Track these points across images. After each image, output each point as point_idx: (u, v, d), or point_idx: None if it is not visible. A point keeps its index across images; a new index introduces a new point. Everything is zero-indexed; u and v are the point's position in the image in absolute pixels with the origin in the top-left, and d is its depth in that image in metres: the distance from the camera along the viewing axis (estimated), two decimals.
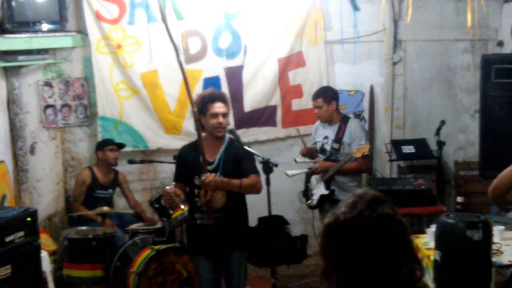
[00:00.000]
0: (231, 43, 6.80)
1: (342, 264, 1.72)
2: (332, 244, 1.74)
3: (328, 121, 5.64)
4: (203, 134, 4.41)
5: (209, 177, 4.22)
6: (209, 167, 4.33)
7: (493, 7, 6.94)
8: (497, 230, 4.54)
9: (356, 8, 6.92)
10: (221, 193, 4.32)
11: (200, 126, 4.32)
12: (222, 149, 4.41)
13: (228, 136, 4.47)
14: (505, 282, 4.40)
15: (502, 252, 4.34)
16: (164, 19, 4.53)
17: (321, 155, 5.66)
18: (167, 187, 4.32)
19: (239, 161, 4.38)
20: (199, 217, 4.43)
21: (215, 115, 4.33)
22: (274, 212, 4.55)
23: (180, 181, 4.46)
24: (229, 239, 4.39)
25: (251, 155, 4.42)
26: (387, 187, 6.12)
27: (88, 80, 6.64)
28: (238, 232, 4.45)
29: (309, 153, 5.79)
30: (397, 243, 1.72)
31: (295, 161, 5.74)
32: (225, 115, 4.37)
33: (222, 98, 4.41)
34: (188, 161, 4.45)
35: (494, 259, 4.13)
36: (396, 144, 6.85)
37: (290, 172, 5.60)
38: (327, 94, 5.59)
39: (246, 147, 4.39)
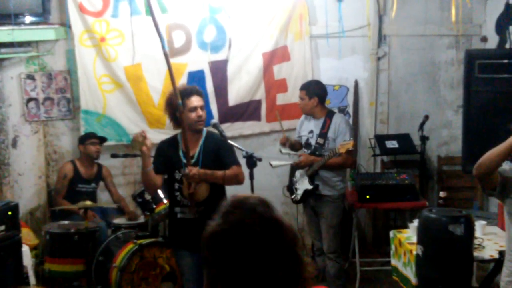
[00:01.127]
0: (216, 37, 6.77)
1: (223, 274, 1.74)
2: (211, 256, 1.79)
3: (308, 114, 5.64)
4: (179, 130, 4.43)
5: (192, 170, 4.23)
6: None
7: (477, 3, 6.96)
8: (479, 225, 4.58)
9: None
10: (205, 185, 4.33)
11: (181, 119, 4.30)
12: (200, 142, 4.42)
13: (205, 129, 4.46)
14: (487, 276, 4.44)
15: (483, 247, 4.38)
16: (151, 12, 4.49)
17: (305, 149, 5.65)
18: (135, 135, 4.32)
19: (218, 153, 4.39)
20: (179, 211, 4.42)
21: (194, 108, 4.34)
22: None
23: (159, 172, 4.43)
24: None
25: (230, 147, 4.42)
26: (370, 182, 6.14)
27: (71, 73, 6.59)
28: None
29: (290, 144, 5.78)
30: (272, 249, 1.72)
31: (280, 151, 5.73)
32: (202, 108, 4.40)
33: (197, 92, 4.43)
34: (168, 156, 4.43)
35: (475, 253, 4.17)
36: (380, 139, 6.87)
37: (274, 163, 5.60)
38: (311, 89, 5.58)
39: (230, 142, 4.38)
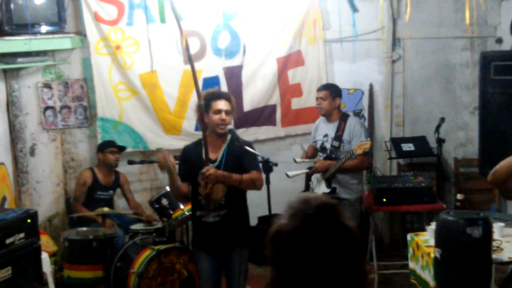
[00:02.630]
0: (230, 43, 6.80)
1: (288, 272, 1.73)
2: (278, 254, 1.76)
3: (327, 115, 5.64)
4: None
5: (209, 170, 4.26)
6: (212, 165, 4.38)
7: (491, 4, 6.95)
8: (497, 227, 4.54)
9: (355, 9, 6.91)
10: (221, 186, 4.37)
11: (203, 120, 4.36)
12: (224, 146, 4.47)
13: (230, 135, 4.50)
14: (506, 279, 4.41)
15: (502, 249, 4.35)
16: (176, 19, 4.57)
17: (321, 154, 5.67)
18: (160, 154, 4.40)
19: (241, 159, 4.42)
20: (203, 214, 4.46)
21: (218, 111, 4.39)
22: (274, 211, 4.54)
23: (186, 180, 4.48)
24: (231, 237, 4.42)
25: (253, 152, 4.45)
26: (387, 185, 6.12)
27: (87, 81, 6.64)
28: (240, 230, 4.48)
29: (312, 154, 5.81)
30: (342, 246, 1.72)
31: (295, 161, 5.74)
32: (228, 112, 4.44)
33: (226, 96, 4.50)
34: (191, 160, 4.49)
35: (494, 256, 4.14)
36: (396, 142, 6.85)
37: (290, 173, 5.60)
38: (334, 90, 5.63)
39: (246, 147, 4.39)
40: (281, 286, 1.76)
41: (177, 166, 4.41)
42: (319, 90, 5.68)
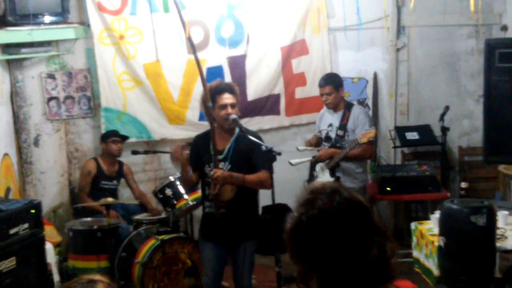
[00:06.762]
0: (234, 32, 6.78)
1: (316, 264, 1.70)
2: (301, 248, 1.72)
3: (335, 107, 5.63)
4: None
5: (217, 172, 4.25)
6: (219, 156, 4.36)
7: None
8: (502, 215, 4.54)
9: None
10: (230, 186, 4.35)
11: (212, 120, 4.34)
12: (232, 139, 4.45)
13: (238, 128, 4.47)
14: (510, 266, 4.40)
15: (506, 237, 4.35)
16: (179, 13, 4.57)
17: (325, 143, 5.66)
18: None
19: (249, 153, 4.40)
20: (208, 205, 4.47)
21: (224, 106, 4.36)
22: (278, 200, 4.55)
23: (195, 169, 4.49)
24: (238, 230, 4.42)
25: (264, 150, 4.42)
26: (391, 174, 6.12)
27: (91, 71, 6.63)
28: (247, 223, 4.47)
29: (315, 143, 5.80)
30: (363, 227, 1.69)
31: (297, 149, 5.73)
32: (233, 105, 4.39)
33: (229, 89, 4.44)
34: (199, 151, 4.50)
35: (498, 244, 4.14)
36: (400, 131, 6.83)
37: (293, 161, 5.60)
38: (336, 81, 5.61)
39: (250, 137, 4.37)
40: (313, 279, 1.72)
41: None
42: (321, 86, 5.63)
